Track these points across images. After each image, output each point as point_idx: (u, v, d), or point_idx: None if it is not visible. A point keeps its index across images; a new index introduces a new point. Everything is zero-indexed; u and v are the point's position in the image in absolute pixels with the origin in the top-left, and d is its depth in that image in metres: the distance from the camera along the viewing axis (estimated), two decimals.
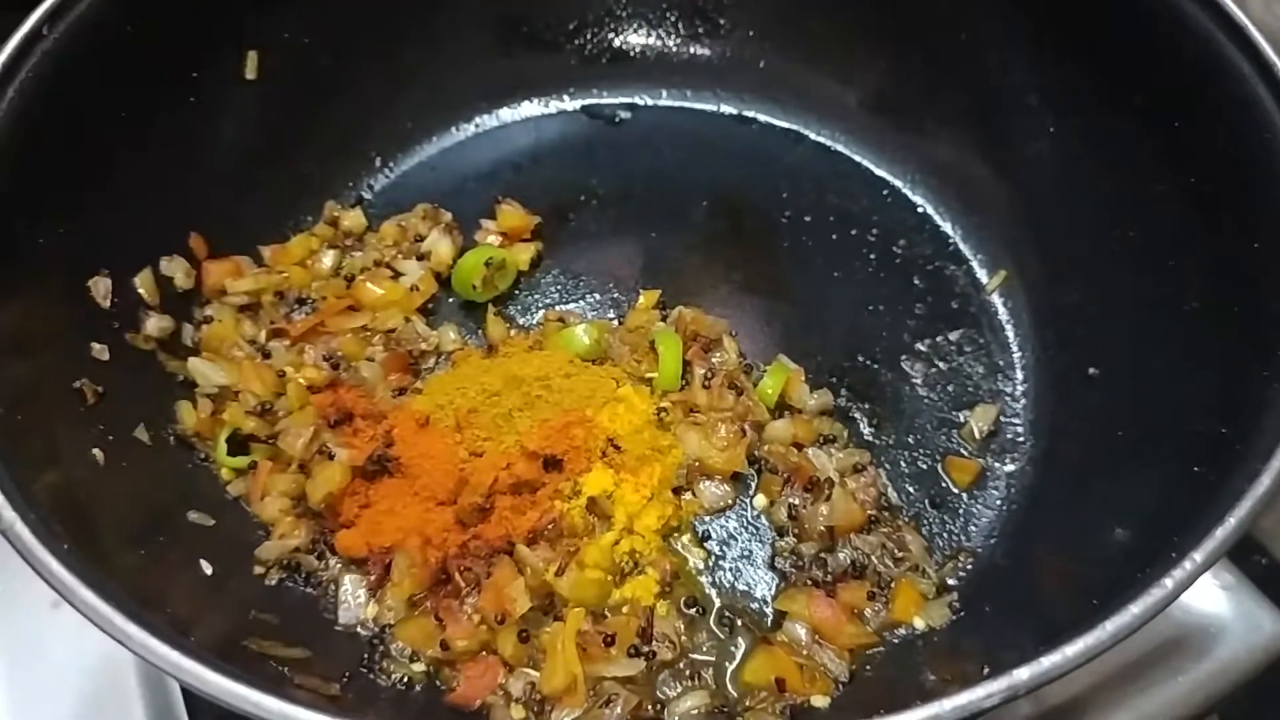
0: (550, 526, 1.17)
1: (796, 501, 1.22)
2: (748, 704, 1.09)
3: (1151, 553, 0.88)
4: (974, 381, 1.37)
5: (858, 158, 1.60)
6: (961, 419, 1.33)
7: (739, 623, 1.16)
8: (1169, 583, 0.80)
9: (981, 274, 1.47)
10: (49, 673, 1.22)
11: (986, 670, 0.76)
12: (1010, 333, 1.41)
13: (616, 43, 1.67)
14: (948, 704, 0.72)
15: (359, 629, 1.15)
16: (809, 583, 1.17)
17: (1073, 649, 0.76)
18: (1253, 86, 1.10)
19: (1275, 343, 1.00)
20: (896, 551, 1.19)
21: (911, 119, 1.56)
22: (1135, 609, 0.78)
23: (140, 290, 1.28)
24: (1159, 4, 1.19)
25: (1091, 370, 1.28)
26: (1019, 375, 1.37)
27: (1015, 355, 1.39)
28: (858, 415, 1.33)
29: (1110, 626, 0.77)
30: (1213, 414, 1.03)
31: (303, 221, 1.51)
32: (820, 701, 1.08)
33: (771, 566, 1.20)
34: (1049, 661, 0.75)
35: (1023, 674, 0.74)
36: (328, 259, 1.44)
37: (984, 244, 1.49)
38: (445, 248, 1.46)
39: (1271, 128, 1.07)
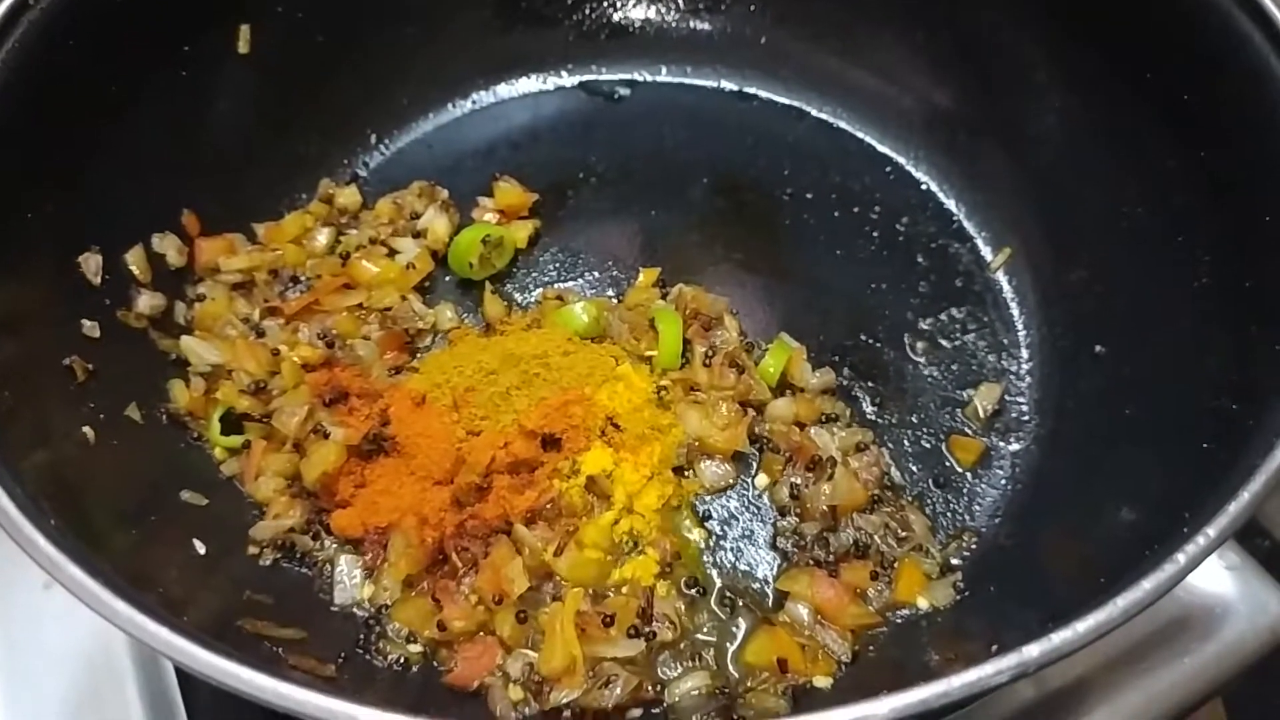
0: (549, 506, 1.15)
1: (798, 481, 1.20)
2: (749, 685, 1.08)
3: (1158, 532, 0.87)
4: (978, 360, 1.35)
5: (860, 134, 1.58)
6: (966, 398, 1.31)
7: (740, 603, 1.15)
8: (1181, 558, 0.78)
9: (986, 251, 1.45)
10: (42, 654, 1.21)
11: (995, 648, 0.74)
12: (1015, 310, 1.39)
13: (615, 18, 1.65)
14: (957, 681, 0.71)
15: (355, 610, 1.13)
16: (811, 563, 1.16)
17: (1084, 625, 0.74)
18: (1265, 58, 1.07)
19: None
20: (900, 531, 1.18)
21: (915, 95, 1.54)
22: (1147, 584, 0.76)
23: (132, 267, 1.26)
24: None
25: (1098, 348, 1.26)
26: (1024, 353, 1.35)
27: (1020, 333, 1.37)
28: (860, 394, 1.32)
29: (1122, 602, 0.75)
30: (1223, 391, 1.02)
31: (297, 199, 1.49)
32: (822, 682, 1.07)
33: (773, 546, 1.19)
34: (1059, 638, 0.73)
35: (1033, 650, 0.73)
36: (323, 237, 1.43)
37: (988, 221, 1.47)
38: (442, 225, 1.44)
39: None
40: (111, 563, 0.85)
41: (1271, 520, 1.54)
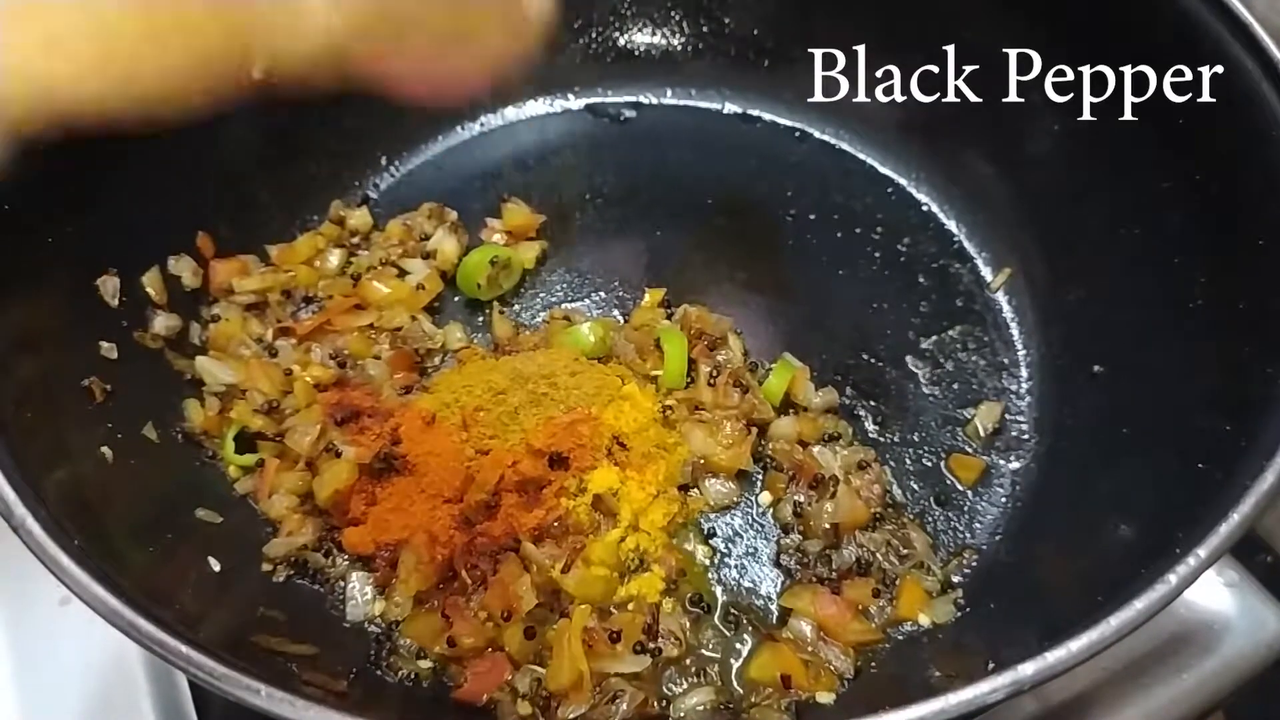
0: (556, 524, 1.17)
1: (801, 499, 1.22)
2: (753, 700, 1.09)
3: (1155, 549, 0.88)
4: (978, 379, 1.37)
5: (862, 156, 1.60)
6: (966, 416, 1.33)
7: (744, 620, 1.16)
8: (1173, 578, 0.80)
9: (986, 272, 1.47)
10: (58, 671, 1.23)
11: (991, 666, 0.76)
12: (1015, 330, 1.41)
13: (621, 42, 1.68)
14: (953, 699, 0.73)
15: (366, 626, 1.15)
16: (814, 580, 1.17)
17: (1077, 644, 0.76)
18: (1257, 83, 1.10)
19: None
20: (901, 549, 1.19)
21: (916, 117, 1.56)
22: (1139, 604, 0.78)
23: (148, 289, 1.28)
24: (1165, 1, 1.19)
25: (1096, 368, 1.28)
26: (1023, 373, 1.37)
27: (1020, 353, 1.39)
28: (862, 413, 1.34)
29: (1114, 621, 0.77)
30: (1217, 411, 1.03)
31: (309, 221, 1.51)
32: (825, 698, 1.08)
33: (776, 564, 1.21)
34: (1054, 656, 0.75)
35: (1027, 669, 0.74)
36: (334, 258, 1.45)
37: (988, 242, 1.49)
38: (451, 246, 1.46)
39: (1276, 124, 1.07)
40: (130, 580, 0.87)
41: (1272, 535, 1.56)
